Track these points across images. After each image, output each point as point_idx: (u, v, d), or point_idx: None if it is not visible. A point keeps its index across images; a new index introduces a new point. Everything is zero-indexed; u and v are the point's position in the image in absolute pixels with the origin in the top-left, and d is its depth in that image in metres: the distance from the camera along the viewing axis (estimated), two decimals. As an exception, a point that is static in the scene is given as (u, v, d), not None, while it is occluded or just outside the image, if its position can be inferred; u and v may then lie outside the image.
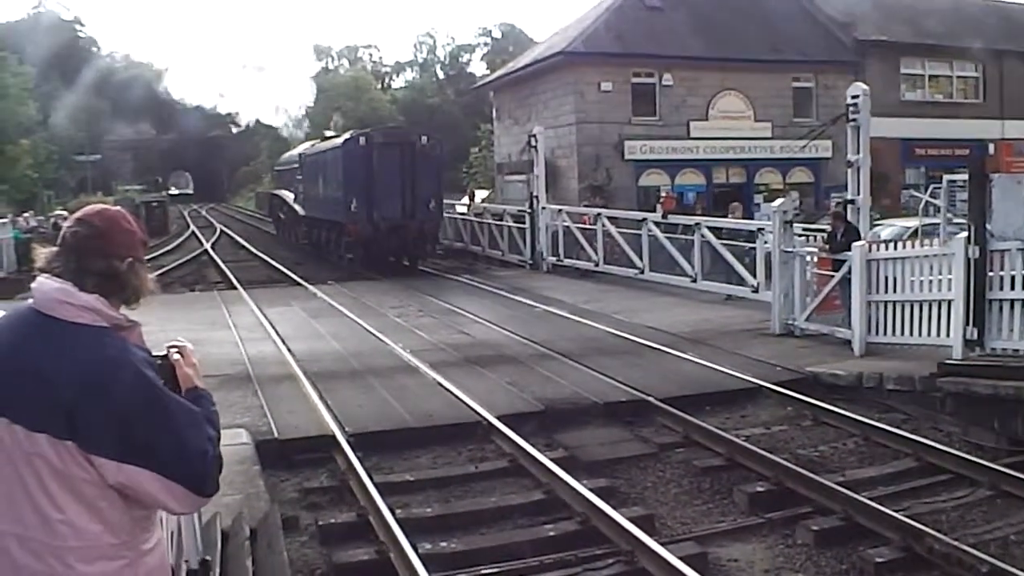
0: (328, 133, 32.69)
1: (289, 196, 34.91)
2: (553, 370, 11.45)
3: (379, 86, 78.03)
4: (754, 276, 16.00)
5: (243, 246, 36.93)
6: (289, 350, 12.95)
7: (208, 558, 4.90)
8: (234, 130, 61.94)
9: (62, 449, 2.34)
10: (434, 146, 24.69)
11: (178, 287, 23.04)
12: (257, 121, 60.30)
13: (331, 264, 26.25)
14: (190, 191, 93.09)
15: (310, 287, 21.23)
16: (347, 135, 25.99)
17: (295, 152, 35.46)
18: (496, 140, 35.96)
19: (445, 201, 25.91)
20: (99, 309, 2.44)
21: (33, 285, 2.47)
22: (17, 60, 45.70)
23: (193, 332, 14.54)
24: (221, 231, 45.58)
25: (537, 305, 17.14)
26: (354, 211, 24.05)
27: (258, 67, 52.70)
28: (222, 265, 28.14)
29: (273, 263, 28.37)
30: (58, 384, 2.33)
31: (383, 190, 23.73)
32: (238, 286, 22.18)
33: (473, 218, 28.71)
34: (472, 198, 32.07)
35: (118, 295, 2.51)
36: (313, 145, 31.91)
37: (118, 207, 2.67)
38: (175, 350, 2.57)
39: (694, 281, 17.86)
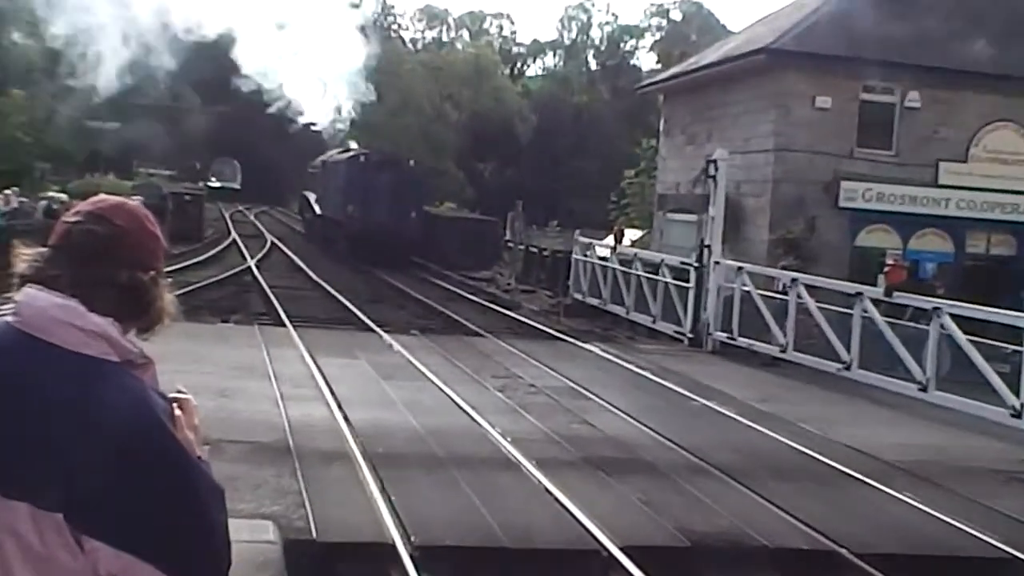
0: (352, 144, 51.54)
1: (313, 197, 52.50)
2: (706, 490, 11.33)
3: (507, 71, 79.61)
4: (1017, 395, 15.49)
5: (300, 268, 37.89)
6: (347, 419, 13.16)
7: None
8: (300, 121, 63.98)
9: (47, 525, 2.31)
10: (417, 169, 45.16)
11: (207, 315, 23.67)
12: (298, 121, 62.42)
13: (406, 310, 29.26)
14: (236, 185, 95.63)
15: (385, 336, 21.73)
16: (352, 153, 46.49)
17: (320, 158, 53.60)
18: (660, 163, 36.02)
19: (582, 239, 32.61)
20: (112, 337, 2.46)
21: (20, 298, 2.48)
22: None
23: (220, 379, 14.96)
24: (272, 244, 46.91)
25: (694, 397, 17.09)
26: (350, 213, 42.34)
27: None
28: (269, 292, 28.99)
29: (338, 296, 29.20)
30: (53, 436, 2.33)
31: (374, 199, 41.46)
32: (287, 323, 22.75)
33: (617, 266, 28.81)
34: (619, 239, 32.20)
35: (135, 319, 2.55)
36: (331, 155, 50.90)
37: (138, 204, 2.74)
38: (175, 404, 2.57)
39: (924, 390, 17.40)
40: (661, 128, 36.51)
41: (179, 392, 2.61)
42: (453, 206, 53.70)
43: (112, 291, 2.49)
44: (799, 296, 20.84)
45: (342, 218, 43.33)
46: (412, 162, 44.50)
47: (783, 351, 21.08)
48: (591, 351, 21.96)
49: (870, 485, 12.13)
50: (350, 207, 42.48)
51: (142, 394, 2.45)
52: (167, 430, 2.42)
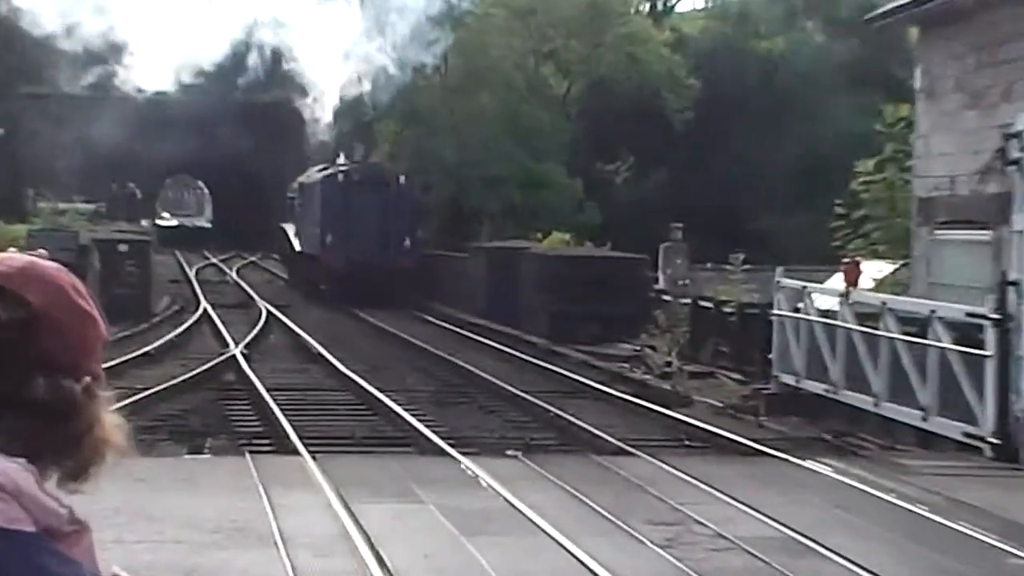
0: (340, 161, 63.62)
1: (292, 230, 65.34)
2: None
3: (646, 6, 79.53)
4: None
5: (317, 353, 38.36)
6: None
7: None
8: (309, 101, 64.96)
9: None
10: (411, 186, 58.03)
11: (165, 442, 24.22)
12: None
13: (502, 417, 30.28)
14: (205, 222, 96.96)
15: (466, 462, 21.70)
16: (328, 171, 60.13)
17: (299, 179, 67.23)
18: (920, 144, 35.44)
19: (788, 283, 33.32)
20: (24, 491, 2.49)
21: None
22: None
23: (189, 551, 15.15)
24: (268, 315, 47.85)
25: (1017, 553, 16.64)
26: (329, 245, 55.22)
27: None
28: (267, 397, 29.30)
29: (384, 398, 29.51)
30: None
31: (357, 227, 54.90)
32: (300, 448, 22.96)
33: (853, 326, 28.28)
34: (854, 278, 31.59)
35: (59, 458, 2.61)
36: (309, 174, 64.47)
37: (56, 263, 2.76)
38: None
39: None
40: (917, 84, 35.92)
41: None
42: (567, 237, 53.14)
43: (22, 414, 2.54)
44: None
45: (320, 253, 56.45)
46: (403, 178, 57.94)
47: None
48: (819, 474, 21.75)
49: None
50: (328, 238, 55.60)
51: None
52: None
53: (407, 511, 17.79)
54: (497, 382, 33.25)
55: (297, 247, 62.69)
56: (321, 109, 64.33)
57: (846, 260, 33.47)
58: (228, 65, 63.90)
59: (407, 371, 36.07)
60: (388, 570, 14.53)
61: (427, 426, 25.84)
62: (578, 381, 34.25)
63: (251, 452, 22.72)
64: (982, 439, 23.67)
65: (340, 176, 56.84)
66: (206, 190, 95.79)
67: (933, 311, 26.15)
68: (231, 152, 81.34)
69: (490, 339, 43.54)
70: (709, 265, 49.33)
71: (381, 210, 54.67)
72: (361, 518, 16.79)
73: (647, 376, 35.60)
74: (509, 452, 23.59)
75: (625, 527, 17.06)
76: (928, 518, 18.24)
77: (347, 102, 62.63)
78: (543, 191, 63.51)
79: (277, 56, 63.99)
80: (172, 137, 78.93)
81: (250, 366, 34.23)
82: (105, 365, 2.67)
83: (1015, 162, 23.81)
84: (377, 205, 54.69)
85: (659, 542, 16.32)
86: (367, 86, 60.85)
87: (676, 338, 38.88)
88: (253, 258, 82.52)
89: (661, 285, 44.82)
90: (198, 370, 33.42)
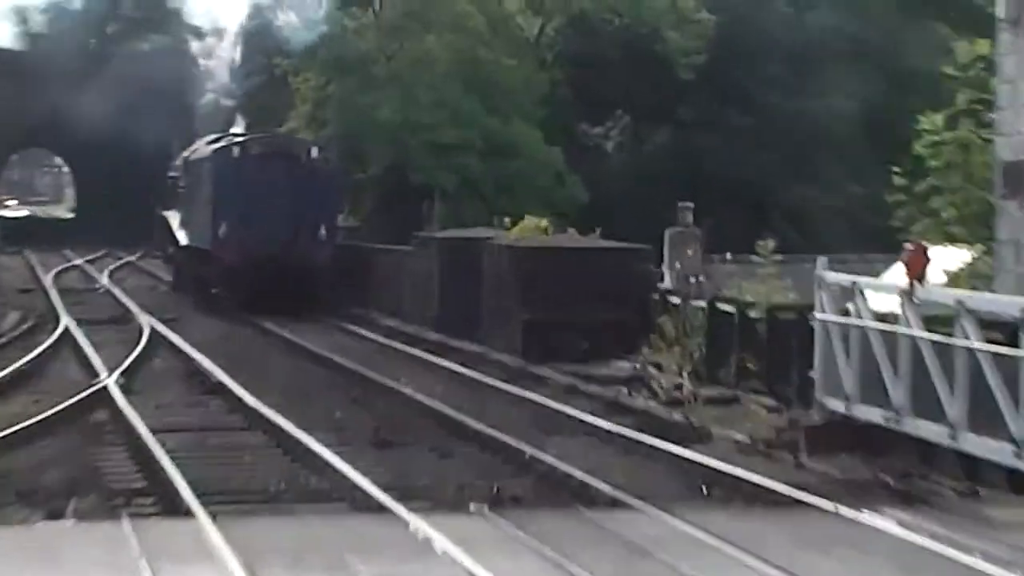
0: (236, 129, 65.84)
1: (175, 219, 66.90)
2: None
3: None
4: None
5: (218, 383, 38.38)
6: None
7: None
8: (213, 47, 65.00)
9: None
10: (327, 160, 59.01)
11: (12, 506, 24.13)
12: None
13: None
14: (66, 212, 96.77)
15: (415, 521, 21.44)
16: (221, 143, 60.37)
17: (183, 154, 68.88)
18: (1003, 91, 35.37)
19: (832, 278, 32.61)
20: None
21: None
22: None
23: None
24: (152, 333, 47.99)
25: None
26: (222, 237, 55.90)
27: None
28: (151, 442, 28.97)
29: (308, 441, 29.22)
30: None
31: (259, 213, 55.57)
32: (197, 509, 22.66)
33: (921, 333, 28.12)
34: (919, 270, 31.49)
35: None
36: (197, 148, 65.25)
37: None
38: None
39: None
40: (1001, 12, 35.84)
41: None
42: (543, 223, 52.61)
43: None
44: None
45: (212, 247, 57.82)
46: (316, 150, 57.98)
47: None
48: (879, 530, 21.46)
49: None
50: (222, 229, 56.40)
51: None
52: None
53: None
54: (455, 415, 33.05)
55: (183, 240, 63.18)
56: (221, 51, 64.86)
57: (909, 246, 33.37)
58: (94, 5, 64.15)
59: (335, 402, 35.91)
60: None
61: (363, 474, 25.50)
62: (561, 412, 34.02)
63: (130, 515, 22.44)
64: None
65: (236, 149, 57.51)
66: (66, 169, 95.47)
67: (1025, 309, 26.10)
68: (99, 119, 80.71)
69: (445, 358, 43.51)
70: (729, 256, 49.29)
71: (289, 191, 55.52)
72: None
73: (651, 403, 35.55)
74: (472, 507, 23.40)
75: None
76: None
77: (253, 40, 63.10)
78: (512, 161, 63.22)
79: None
80: (19, 102, 78.55)
81: (128, 400, 33.94)
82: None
83: None
84: (283, 185, 55.60)
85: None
86: (290, 15, 61.18)
87: (688, 353, 38.86)
88: (131, 258, 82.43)
89: (668, 284, 44.68)
90: (58, 408, 33.01)
